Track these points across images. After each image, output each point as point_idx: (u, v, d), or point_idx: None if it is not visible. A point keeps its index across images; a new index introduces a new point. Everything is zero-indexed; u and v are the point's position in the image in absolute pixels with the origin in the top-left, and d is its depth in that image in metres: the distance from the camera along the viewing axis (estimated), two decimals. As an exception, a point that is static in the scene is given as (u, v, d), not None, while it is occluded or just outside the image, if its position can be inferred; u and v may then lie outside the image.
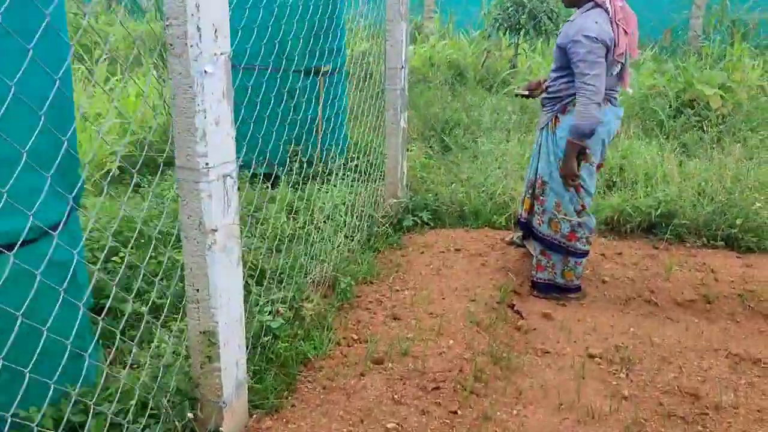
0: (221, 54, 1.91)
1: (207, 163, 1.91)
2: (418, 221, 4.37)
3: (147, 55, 6.22)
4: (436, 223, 4.46)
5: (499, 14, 7.49)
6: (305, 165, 4.59)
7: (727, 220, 4.14)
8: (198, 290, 2.05)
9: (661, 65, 7.70)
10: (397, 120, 4.28)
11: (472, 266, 3.81)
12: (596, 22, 2.97)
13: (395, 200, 4.37)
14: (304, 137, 5.25)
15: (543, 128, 3.49)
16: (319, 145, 5.15)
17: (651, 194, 4.43)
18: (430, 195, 4.59)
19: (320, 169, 4.66)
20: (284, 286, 3.08)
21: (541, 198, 3.49)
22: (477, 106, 6.56)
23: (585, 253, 3.47)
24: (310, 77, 4.87)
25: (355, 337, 2.99)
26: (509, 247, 4.04)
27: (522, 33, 7.72)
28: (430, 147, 5.61)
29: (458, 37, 9.97)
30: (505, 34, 7.94)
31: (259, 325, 2.64)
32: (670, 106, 6.36)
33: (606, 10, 3.02)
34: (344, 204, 4.01)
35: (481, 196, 4.58)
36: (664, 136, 5.88)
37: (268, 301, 2.85)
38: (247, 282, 2.99)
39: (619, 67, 3.13)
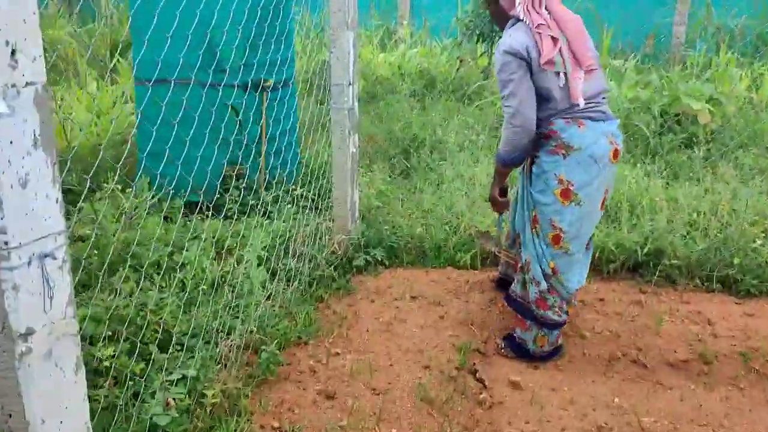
0: (27, 85, 1.31)
1: (6, 242, 1.32)
2: (371, 260, 3.78)
3: None
4: (393, 261, 3.89)
5: (470, 21, 6.94)
6: (242, 193, 4.01)
7: (723, 258, 3.60)
8: (10, 416, 1.45)
9: (644, 76, 7.19)
10: (345, 144, 3.70)
11: (429, 318, 3.23)
12: (510, 36, 2.56)
13: (344, 236, 3.78)
14: (243, 161, 4.67)
15: (521, 171, 2.98)
16: (261, 170, 4.56)
17: (636, 227, 3.88)
18: (386, 228, 4.01)
19: (261, 198, 4.08)
20: (194, 355, 2.49)
21: (522, 249, 2.94)
22: (446, 120, 5.99)
23: (558, 325, 2.90)
24: (254, 92, 4.29)
25: (276, 425, 2.40)
26: (472, 292, 3.47)
27: (495, 41, 7.17)
28: (392, 170, 5.03)
29: (431, 45, 9.42)
30: (477, 41, 7.39)
31: (141, 426, 2.04)
32: (655, 122, 5.83)
33: (524, 21, 2.58)
34: (281, 242, 3.43)
35: (444, 230, 4.00)
36: (650, 157, 5.35)
37: (162, 383, 2.26)
38: (148, 352, 2.40)
39: (562, 78, 2.56)
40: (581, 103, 2.55)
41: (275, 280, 3.33)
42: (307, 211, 3.99)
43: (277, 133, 4.48)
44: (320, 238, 3.77)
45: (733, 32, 9.42)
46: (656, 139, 5.63)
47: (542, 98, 2.56)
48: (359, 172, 4.53)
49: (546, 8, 2.56)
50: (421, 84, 7.55)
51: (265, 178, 4.60)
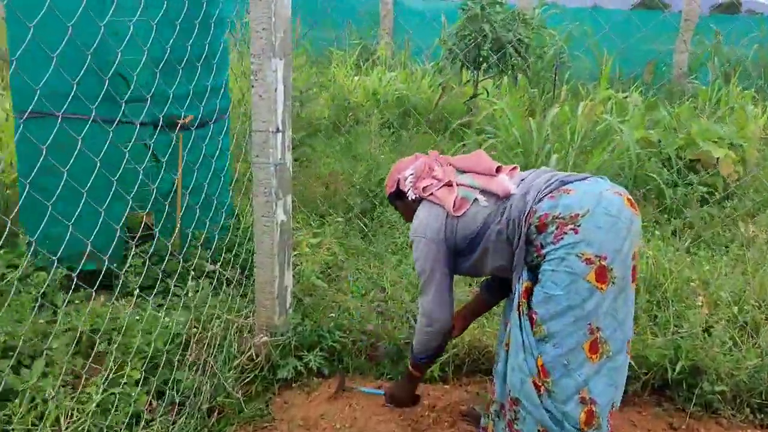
0: None
1: None
2: (304, 369, 2.77)
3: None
4: (334, 367, 2.87)
5: (454, 44, 5.99)
6: (148, 261, 3.02)
7: (781, 381, 2.62)
8: None
9: (652, 111, 6.27)
10: (270, 212, 2.70)
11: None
12: (416, 219, 2.22)
13: (266, 337, 2.76)
14: (154, 217, 3.66)
15: (508, 304, 2.25)
16: (177, 229, 3.54)
17: (660, 325, 2.91)
18: (330, 318, 3.00)
19: (174, 268, 3.09)
20: None
21: (514, 428, 2.00)
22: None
23: None
24: (167, 130, 3.29)
25: None
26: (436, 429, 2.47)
27: (483, 68, 6.23)
28: (349, 226, 4.02)
29: (412, 68, 8.49)
30: (462, 67, 6.44)
31: None
32: (669, 170, 4.90)
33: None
34: (177, 345, 2.42)
35: (406, 324, 3.00)
36: (665, 216, 4.40)
37: None
38: None
39: (481, 197, 2.11)
40: (512, 189, 2.05)
41: (157, 407, 2.32)
42: (223, 293, 2.98)
43: (204, 182, 3.47)
44: (235, 338, 2.76)
45: (744, 63, 8.55)
46: (671, 191, 4.68)
47: (485, 231, 2.08)
48: (302, 233, 3.53)
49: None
50: (397, 113, 6.58)
51: (180, 242, 3.59)
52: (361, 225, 4.11)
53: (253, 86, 2.59)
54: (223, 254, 3.21)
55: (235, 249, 3.39)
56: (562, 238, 1.89)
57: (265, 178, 2.66)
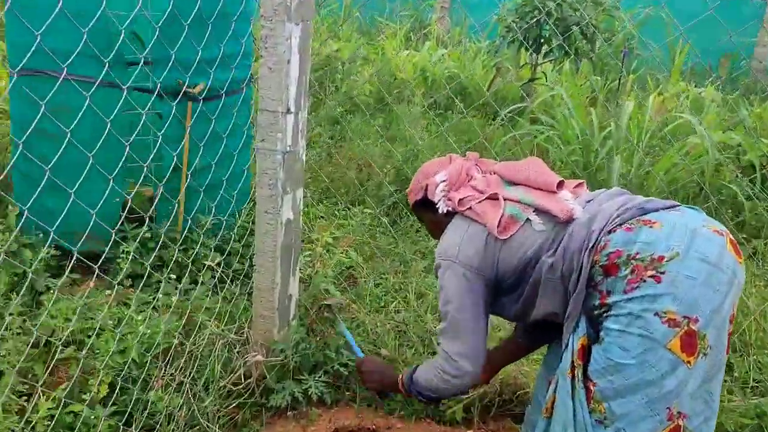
0: None
1: None
2: (302, 396, 2.33)
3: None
4: (339, 396, 2.44)
5: (514, 21, 5.40)
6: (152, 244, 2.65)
7: None
8: None
9: (731, 111, 5.58)
10: (275, 209, 2.26)
11: None
12: (444, 240, 1.73)
13: (260, 357, 2.34)
14: (158, 199, 3.26)
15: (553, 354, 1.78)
16: (181, 214, 3.14)
17: (740, 383, 2.38)
18: (341, 335, 2.56)
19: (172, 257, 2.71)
20: None
21: None
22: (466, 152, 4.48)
23: None
24: (173, 100, 2.87)
25: None
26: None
27: (543, 50, 5.62)
28: (375, 223, 3.55)
29: (465, 47, 7.90)
30: (520, 48, 5.85)
31: None
32: (749, 179, 4.26)
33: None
34: (156, 355, 2.02)
35: (429, 349, 2.54)
36: (741, 233, 3.80)
37: None
38: None
39: (536, 219, 1.59)
40: (578, 211, 1.55)
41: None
42: (221, 293, 2.57)
43: (213, 161, 3.04)
44: (223, 353, 2.34)
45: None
46: (750, 204, 4.06)
47: (535, 263, 1.58)
48: (322, 224, 3.08)
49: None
50: (446, 94, 6.04)
51: (185, 227, 3.18)
52: (392, 219, 3.63)
53: (262, 56, 2.13)
54: (231, 245, 2.80)
55: (244, 240, 2.98)
56: (638, 287, 1.39)
57: (270, 168, 2.21)
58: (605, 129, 4.39)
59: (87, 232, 1.91)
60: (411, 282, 2.92)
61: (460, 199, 1.69)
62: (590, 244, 1.47)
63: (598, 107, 5.06)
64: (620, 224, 1.47)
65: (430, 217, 1.81)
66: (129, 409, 2.09)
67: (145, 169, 2.16)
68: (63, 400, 1.97)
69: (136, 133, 2.31)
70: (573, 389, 1.49)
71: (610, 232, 1.46)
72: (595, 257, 1.45)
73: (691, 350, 1.35)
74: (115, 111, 1.91)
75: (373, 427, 2.30)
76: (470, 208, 1.66)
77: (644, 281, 1.37)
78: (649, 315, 1.36)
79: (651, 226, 1.43)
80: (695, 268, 1.36)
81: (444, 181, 1.73)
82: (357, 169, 4.38)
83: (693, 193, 4.16)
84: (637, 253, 1.40)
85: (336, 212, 3.70)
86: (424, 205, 1.80)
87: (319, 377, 2.39)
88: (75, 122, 1.68)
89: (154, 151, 2.53)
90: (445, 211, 1.73)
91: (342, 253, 2.89)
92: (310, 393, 2.33)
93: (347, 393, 2.45)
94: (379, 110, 5.78)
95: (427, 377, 1.73)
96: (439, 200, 1.74)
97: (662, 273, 1.36)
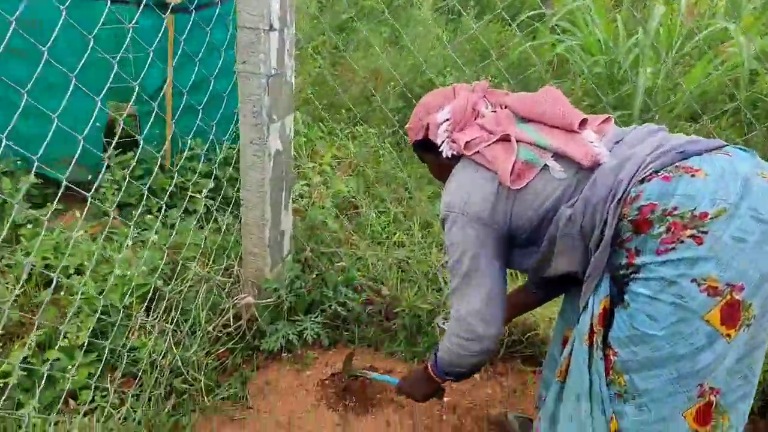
0: None
1: None
2: (297, 339, 2.20)
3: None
4: (337, 336, 2.30)
5: None
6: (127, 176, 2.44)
7: None
8: None
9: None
10: (260, 139, 2.02)
11: None
12: (450, 186, 1.46)
13: (250, 297, 2.18)
14: (140, 121, 3.04)
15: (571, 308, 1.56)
16: (169, 138, 2.92)
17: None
18: (339, 271, 2.39)
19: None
20: None
21: None
22: (480, 62, 4.18)
23: None
24: (154, 11, 2.59)
25: None
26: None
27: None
28: (383, 144, 3.30)
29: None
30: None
31: None
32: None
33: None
34: (141, 295, 1.88)
35: (434, 286, 2.37)
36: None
37: None
38: None
39: (556, 166, 1.34)
40: (604, 156, 1.30)
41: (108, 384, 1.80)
42: (210, 225, 2.39)
43: (198, 80, 2.78)
44: (213, 293, 2.18)
45: None
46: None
47: (553, 215, 1.35)
48: (319, 146, 2.86)
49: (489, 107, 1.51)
50: (459, -2, 5.60)
51: (174, 152, 2.97)
52: (396, 140, 3.39)
53: (238, -39, 1.84)
54: (225, 170, 2.59)
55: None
56: (674, 249, 1.17)
57: (254, 94, 1.96)
58: (632, 37, 4.02)
59: (68, 157, 1.72)
60: (416, 211, 2.72)
61: (466, 142, 1.43)
62: (618, 195, 1.23)
63: (624, 12, 4.64)
64: (656, 171, 1.22)
65: (433, 160, 1.55)
66: (110, 357, 1.96)
67: (136, 88, 1.91)
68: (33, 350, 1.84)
69: (121, 50, 2.06)
70: (590, 358, 1.30)
71: (642, 180, 1.22)
72: (623, 210, 1.22)
73: (732, 322, 1.15)
74: (98, 26, 1.67)
75: (374, 369, 2.16)
76: (478, 152, 1.42)
77: (682, 242, 1.15)
78: (685, 281, 1.15)
79: (693, 175, 1.19)
80: (746, 228, 1.13)
81: (447, 119, 1.47)
82: (362, 83, 4.09)
83: (723, 106, 3.84)
84: (675, 208, 1.16)
85: (338, 132, 3.46)
86: (426, 146, 1.55)
87: (316, 318, 2.24)
88: (50, 41, 1.45)
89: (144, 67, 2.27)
90: (449, 155, 1.49)
91: (342, 179, 2.67)
92: (305, 335, 2.19)
93: (345, 334, 2.30)
94: (386, 19, 5.39)
95: (445, 350, 1.50)
96: (443, 142, 1.49)
97: (704, 233, 1.13)
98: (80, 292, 2.03)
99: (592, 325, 1.31)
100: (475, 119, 1.46)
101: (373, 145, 3.24)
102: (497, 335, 1.43)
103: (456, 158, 1.47)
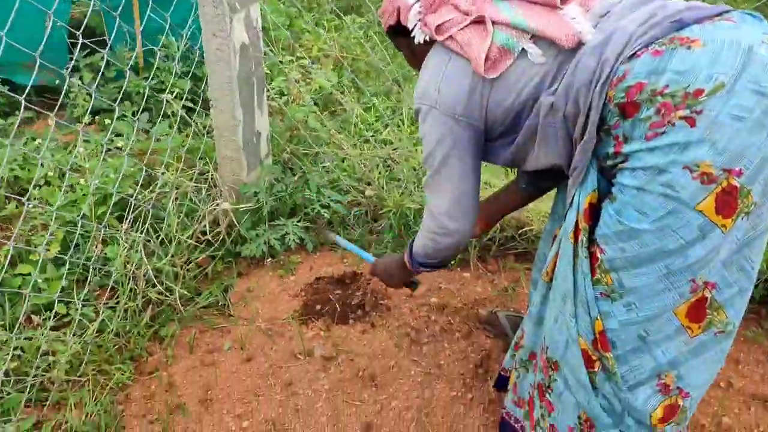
0: None
1: None
2: (279, 244, 2.11)
3: None
4: (323, 240, 2.21)
5: None
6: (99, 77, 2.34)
7: None
8: None
9: None
10: (224, 31, 1.85)
11: (346, 415, 1.64)
12: (424, 74, 1.33)
13: (227, 203, 2.07)
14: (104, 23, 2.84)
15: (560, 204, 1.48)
16: (138, 35, 2.73)
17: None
18: (322, 171, 2.27)
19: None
20: None
21: (547, 398, 1.34)
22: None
23: None
24: None
25: None
26: (447, 337, 1.83)
27: None
28: (369, 33, 3.08)
29: None
30: None
31: None
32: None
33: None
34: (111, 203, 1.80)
35: (420, 172, 2.25)
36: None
37: None
38: None
39: (534, 50, 1.18)
40: (587, 34, 1.13)
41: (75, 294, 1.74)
42: (187, 130, 2.26)
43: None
44: (189, 198, 2.08)
45: None
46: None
47: (533, 103, 1.21)
48: (303, 40, 2.68)
49: None
50: None
51: (146, 52, 2.78)
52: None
53: None
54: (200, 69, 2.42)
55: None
56: (664, 133, 1.02)
57: (210, -22, 1.77)
58: None
59: (31, 62, 1.58)
60: (403, 106, 2.55)
61: (437, 26, 1.26)
62: (602, 77, 1.07)
63: None
64: (646, 45, 1.06)
65: (407, 46, 1.39)
66: (82, 270, 1.89)
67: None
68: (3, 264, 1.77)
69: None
70: (575, 257, 1.20)
71: (631, 57, 1.06)
72: (609, 93, 1.07)
73: (728, 211, 1.02)
74: None
75: (359, 272, 2.09)
76: (451, 36, 1.25)
77: (673, 125, 1.00)
78: (676, 169, 1.01)
79: (689, 47, 1.02)
80: (745, 104, 0.98)
81: (418, 1, 1.30)
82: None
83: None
84: (666, 87, 1.01)
85: (325, 22, 3.23)
86: (400, 32, 1.38)
87: (299, 222, 2.15)
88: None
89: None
90: (421, 41, 1.32)
91: (324, 74, 2.49)
92: (288, 240, 2.10)
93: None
94: None
95: (420, 243, 1.47)
96: (414, 26, 1.32)
97: (698, 112, 0.98)
98: (48, 204, 1.95)
99: (577, 221, 1.19)
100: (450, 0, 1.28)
101: (362, 35, 3.03)
102: (468, 231, 1.37)
103: (430, 44, 1.31)
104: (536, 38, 1.16)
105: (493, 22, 1.19)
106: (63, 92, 1.78)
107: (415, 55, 1.37)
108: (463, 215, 1.34)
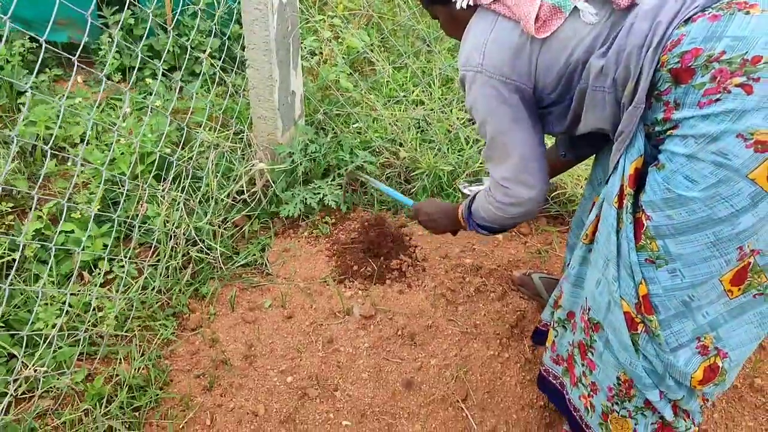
0: None
1: None
2: (315, 204, 2.13)
3: None
4: (356, 200, 2.23)
5: None
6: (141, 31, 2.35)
7: None
8: None
9: None
10: (261, -12, 1.83)
11: (385, 383, 1.69)
12: (467, 40, 1.29)
13: (263, 164, 2.09)
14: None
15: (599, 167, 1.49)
16: (166, -6, 2.71)
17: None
18: (355, 132, 2.28)
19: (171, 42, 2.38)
20: None
21: (589, 357, 1.36)
22: None
23: None
24: None
25: None
26: (481, 298, 1.86)
27: None
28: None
29: None
30: None
31: None
32: None
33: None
34: (148, 165, 1.83)
35: (455, 148, 2.25)
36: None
37: None
38: None
39: (587, 7, 1.15)
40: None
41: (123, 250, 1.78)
42: (215, 89, 2.26)
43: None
44: (222, 164, 2.10)
45: None
46: None
47: (584, 67, 1.18)
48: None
49: None
50: None
51: (175, 9, 2.76)
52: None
53: None
54: (230, 27, 2.41)
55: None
56: (719, 100, 1.02)
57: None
58: None
59: (63, 19, 1.57)
60: (435, 65, 2.54)
61: None
62: (654, 41, 1.06)
63: None
64: (703, 9, 1.05)
65: (446, 13, 1.36)
66: (123, 228, 1.92)
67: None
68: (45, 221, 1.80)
69: None
70: (619, 221, 1.20)
71: (687, 21, 1.05)
72: (662, 57, 1.06)
73: None
74: None
75: (394, 231, 2.11)
76: (497, 0, 1.23)
77: (729, 92, 1.00)
78: (729, 137, 1.01)
79: (748, 12, 1.01)
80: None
81: None
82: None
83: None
84: (723, 53, 1.00)
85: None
86: (437, 0, 1.37)
87: (332, 182, 2.16)
88: None
89: None
90: (464, 6, 1.31)
91: (355, 34, 2.47)
92: (324, 200, 2.12)
93: (364, 197, 2.23)
94: None
95: (484, 208, 1.42)
96: None
97: (756, 80, 0.98)
98: (87, 162, 1.97)
99: (622, 186, 1.19)
100: None
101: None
102: (541, 197, 1.32)
103: (472, 9, 1.29)
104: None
105: None
106: (90, 49, 1.78)
107: (456, 21, 1.34)
108: (534, 179, 1.30)
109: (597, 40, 1.15)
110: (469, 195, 1.80)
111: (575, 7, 1.15)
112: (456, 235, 1.74)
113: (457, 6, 1.28)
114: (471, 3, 1.27)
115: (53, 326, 1.60)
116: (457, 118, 2.30)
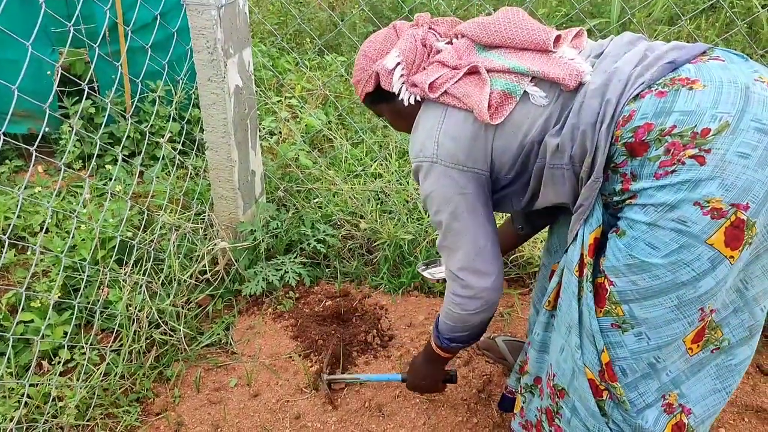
0: None
1: None
2: (278, 281, 2.14)
3: None
4: (319, 274, 2.25)
5: None
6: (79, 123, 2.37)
7: None
8: None
9: None
10: (218, 75, 1.90)
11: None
12: (417, 135, 1.32)
13: (225, 243, 2.11)
14: (95, 67, 2.87)
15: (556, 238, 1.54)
16: (126, 80, 2.78)
17: None
18: (316, 207, 2.32)
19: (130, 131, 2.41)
20: None
21: (556, 423, 1.38)
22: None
23: None
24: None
25: None
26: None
27: None
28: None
29: None
30: None
31: None
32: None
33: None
34: (110, 249, 1.82)
35: (413, 216, 2.31)
36: (759, 47, 3.41)
37: None
38: None
39: (536, 92, 1.22)
40: (586, 72, 1.17)
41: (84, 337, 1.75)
42: (177, 172, 2.30)
43: (151, 17, 2.61)
44: (188, 240, 2.11)
45: None
46: None
47: (538, 147, 1.24)
48: (288, 79, 2.75)
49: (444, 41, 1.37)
50: None
51: (134, 97, 2.83)
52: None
53: None
54: (189, 111, 2.46)
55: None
56: (674, 171, 1.07)
57: (206, 28, 1.83)
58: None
59: (22, 111, 1.60)
60: (391, 139, 2.63)
61: (430, 84, 1.28)
62: (607, 118, 1.13)
63: None
64: (648, 86, 1.12)
65: (391, 110, 1.40)
66: (84, 314, 1.91)
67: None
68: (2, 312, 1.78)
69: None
70: (580, 289, 1.24)
71: (636, 97, 1.12)
72: (616, 132, 1.13)
73: (736, 243, 1.07)
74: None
75: (355, 305, 2.13)
76: (446, 92, 1.28)
77: (683, 163, 1.06)
78: (687, 206, 1.06)
79: (691, 88, 1.09)
80: (750, 142, 1.04)
81: (398, 63, 1.32)
82: (329, 7, 3.91)
83: (701, 6, 3.71)
84: (674, 126, 1.07)
85: (306, 62, 3.32)
86: (380, 97, 1.39)
87: (295, 258, 2.19)
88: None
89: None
90: (412, 102, 1.33)
91: (312, 113, 2.55)
92: (286, 276, 2.14)
93: (327, 270, 2.25)
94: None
95: (446, 314, 1.41)
96: (400, 89, 1.33)
97: (707, 151, 1.04)
98: (47, 250, 1.96)
99: (582, 255, 1.24)
100: (431, 57, 1.34)
101: (343, 74, 3.11)
102: (496, 285, 1.33)
103: (419, 103, 1.34)
104: (536, 80, 1.22)
105: (488, 70, 1.25)
106: (51, 139, 1.81)
107: (402, 117, 1.38)
108: (487, 269, 1.31)
109: (549, 120, 1.20)
110: (430, 278, 1.84)
111: (525, 91, 1.21)
112: (455, 382, 1.70)
113: (405, 102, 1.32)
114: (420, 97, 1.31)
115: (11, 419, 1.55)
116: (414, 189, 2.37)
